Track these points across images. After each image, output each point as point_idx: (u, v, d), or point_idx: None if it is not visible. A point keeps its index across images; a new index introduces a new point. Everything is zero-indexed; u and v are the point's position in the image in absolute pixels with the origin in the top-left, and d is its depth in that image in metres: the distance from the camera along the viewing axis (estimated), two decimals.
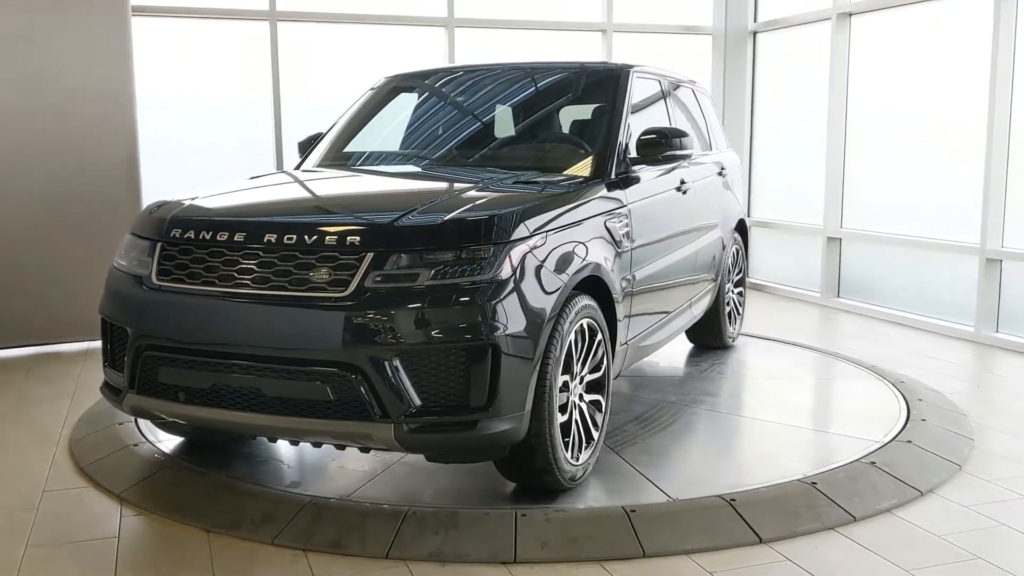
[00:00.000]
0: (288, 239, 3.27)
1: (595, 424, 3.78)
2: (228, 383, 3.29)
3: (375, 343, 3.10)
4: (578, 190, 3.87)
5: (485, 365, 3.14)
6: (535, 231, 3.40)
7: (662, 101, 5.13)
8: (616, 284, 3.92)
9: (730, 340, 6.09)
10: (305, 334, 3.17)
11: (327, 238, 3.24)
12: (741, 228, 6.15)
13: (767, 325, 6.92)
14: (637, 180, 4.34)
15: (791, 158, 8.95)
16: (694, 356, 5.90)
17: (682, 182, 4.92)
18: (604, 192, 4.03)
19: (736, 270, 6.13)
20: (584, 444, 3.67)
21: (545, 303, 3.33)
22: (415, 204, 3.44)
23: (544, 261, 3.38)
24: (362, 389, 3.12)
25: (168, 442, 4.25)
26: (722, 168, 5.79)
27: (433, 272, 3.15)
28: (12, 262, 6.20)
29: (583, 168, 4.23)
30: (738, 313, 6.22)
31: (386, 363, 3.10)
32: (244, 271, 3.30)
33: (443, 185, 4.01)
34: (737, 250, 6.11)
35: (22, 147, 6.16)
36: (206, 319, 3.32)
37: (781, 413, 4.70)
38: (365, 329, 3.11)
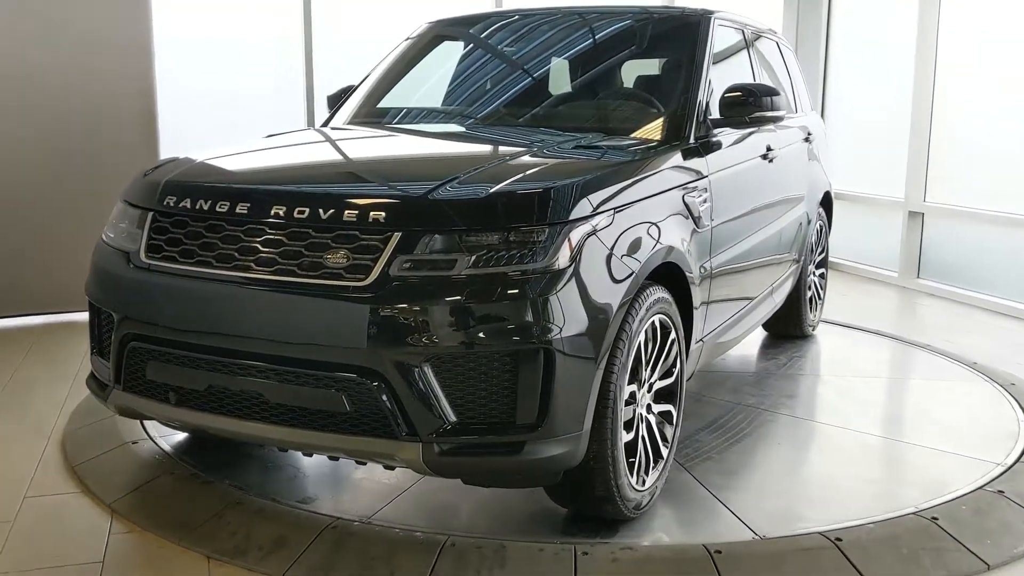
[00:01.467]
0: (299, 213, 2.67)
1: (664, 439, 3.16)
2: (226, 385, 2.72)
3: (401, 344, 2.51)
4: (651, 157, 3.22)
5: (536, 374, 2.53)
6: (599, 208, 2.76)
7: (745, 54, 4.43)
8: (694, 271, 3.28)
9: (810, 329, 5.41)
10: (317, 330, 2.58)
11: (346, 213, 2.63)
12: (826, 202, 5.44)
13: (844, 309, 6.19)
14: (718, 146, 3.67)
15: (869, 122, 8.16)
16: (769, 347, 5.22)
17: (768, 149, 4.24)
18: (681, 160, 3.37)
19: (819, 249, 5.43)
20: (651, 464, 3.06)
21: (611, 297, 2.71)
22: (454, 172, 2.82)
23: (610, 245, 2.75)
24: (384, 400, 2.53)
25: (170, 438, 3.71)
26: (808, 133, 5.08)
27: (474, 258, 2.54)
28: (19, 223, 5.69)
29: (656, 131, 3.57)
30: (819, 298, 5.53)
31: (414, 369, 2.51)
32: (247, 250, 2.72)
33: (489, 149, 3.38)
34: (821, 227, 5.40)
35: (27, 99, 5.61)
36: (201, 307, 2.74)
37: (877, 422, 4.04)
38: (389, 327, 2.52)
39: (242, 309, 2.67)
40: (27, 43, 5.56)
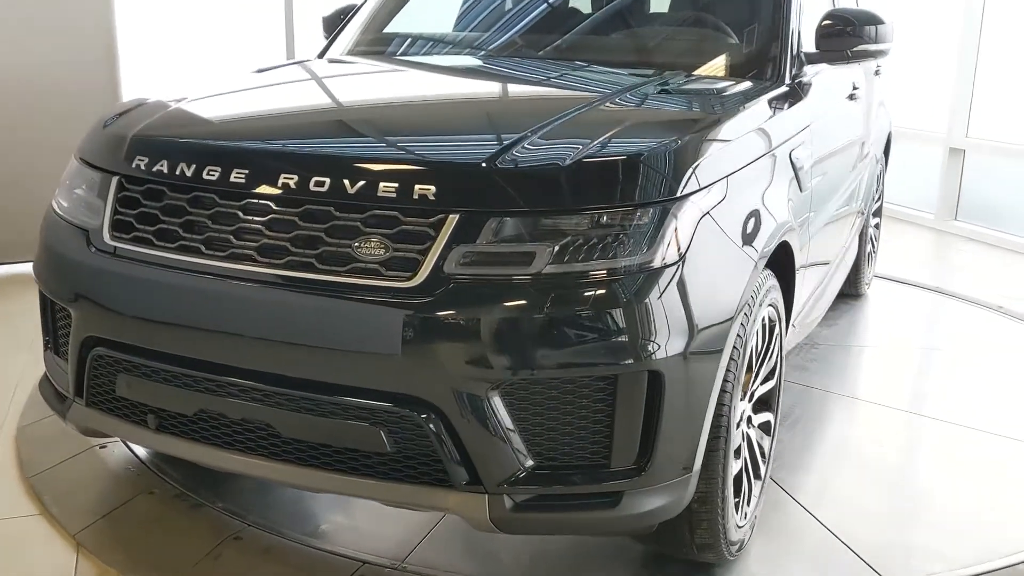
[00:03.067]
0: (317, 184, 1.99)
1: (763, 455, 2.58)
2: (222, 411, 2.08)
3: (461, 367, 1.87)
4: (754, 104, 2.55)
5: (638, 404, 1.92)
6: (712, 177, 2.11)
7: None
8: (800, 245, 2.65)
9: (866, 287, 4.82)
10: (345, 345, 1.93)
11: (381, 186, 1.95)
12: (887, 145, 4.81)
13: (885, 258, 5.52)
14: (810, 86, 3.00)
15: (907, 48, 7.44)
16: None
17: (854, 87, 3.58)
18: (785, 106, 2.71)
19: (876, 197, 4.81)
20: (751, 488, 2.48)
21: (730, 297, 2.09)
22: (519, 129, 2.14)
23: (726, 227, 2.12)
24: (438, 439, 1.90)
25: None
26: (878, 66, 4.41)
27: (557, 249, 1.89)
28: None
29: (745, 68, 2.91)
30: (874, 251, 4.93)
31: (479, 400, 1.88)
32: (246, 234, 2.04)
33: (552, 94, 2.70)
34: (880, 172, 4.77)
35: None
36: (185, 308, 2.07)
37: (980, 412, 3.44)
38: (445, 343, 1.87)
39: (242, 314, 2.01)
40: None
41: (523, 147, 2.03)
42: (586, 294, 1.88)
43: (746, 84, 2.75)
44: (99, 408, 2.27)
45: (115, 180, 2.24)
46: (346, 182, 1.97)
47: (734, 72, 2.88)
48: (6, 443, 3.13)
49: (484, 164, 1.97)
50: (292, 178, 2.01)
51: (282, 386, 1.99)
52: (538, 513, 1.95)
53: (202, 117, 2.47)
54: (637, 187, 1.96)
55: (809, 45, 3.02)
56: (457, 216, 1.91)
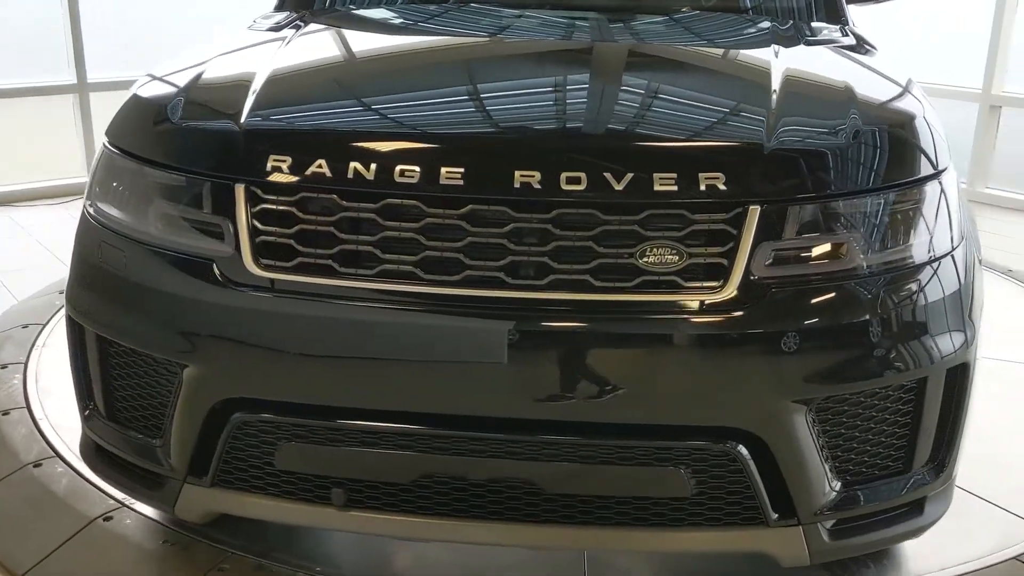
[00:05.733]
0: (570, 181, 1.59)
1: None
2: (459, 473, 1.65)
3: (789, 386, 1.61)
4: (871, 53, 2.40)
5: (938, 402, 1.75)
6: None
7: None
8: None
9: None
10: (642, 378, 1.58)
11: (657, 178, 1.59)
12: None
13: None
14: None
15: None
16: None
17: None
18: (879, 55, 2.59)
19: None
20: None
21: (979, 276, 1.95)
22: (753, 98, 1.85)
23: (961, 199, 1.98)
24: (751, 473, 1.62)
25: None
26: None
27: (863, 239, 1.66)
28: None
29: (814, 12, 2.72)
30: None
31: (802, 421, 1.62)
32: (483, 250, 1.59)
33: (703, 50, 2.33)
34: None
35: None
36: (406, 352, 1.59)
37: None
38: (770, 361, 1.59)
39: (496, 352, 1.57)
40: None
41: (789, 121, 1.73)
42: (908, 287, 1.69)
43: (824, 29, 2.55)
44: (238, 488, 1.73)
45: (241, 190, 1.66)
46: (609, 177, 1.59)
47: (807, 17, 2.69)
48: None
49: (771, 143, 1.66)
50: (532, 175, 1.59)
51: (548, 433, 1.61)
52: (855, 538, 1.75)
53: (344, 93, 1.90)
54: (918, 160, 1.78)
55: None
56: (759, 207, 1.60)
